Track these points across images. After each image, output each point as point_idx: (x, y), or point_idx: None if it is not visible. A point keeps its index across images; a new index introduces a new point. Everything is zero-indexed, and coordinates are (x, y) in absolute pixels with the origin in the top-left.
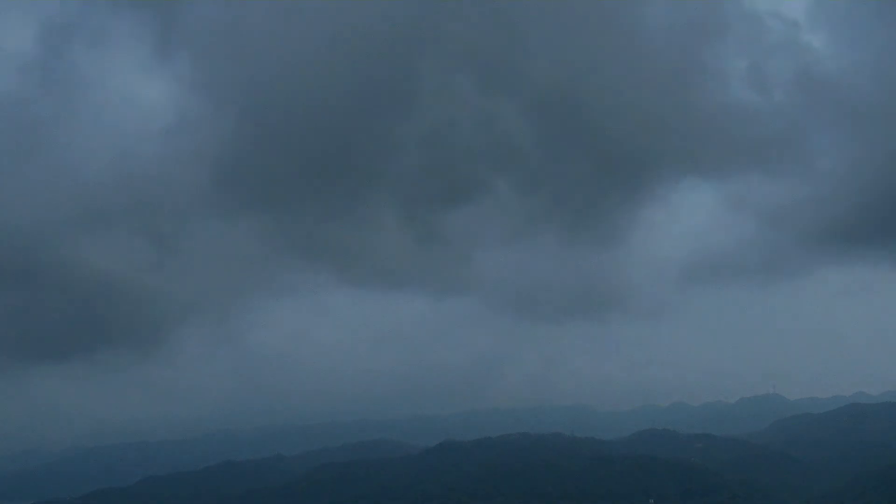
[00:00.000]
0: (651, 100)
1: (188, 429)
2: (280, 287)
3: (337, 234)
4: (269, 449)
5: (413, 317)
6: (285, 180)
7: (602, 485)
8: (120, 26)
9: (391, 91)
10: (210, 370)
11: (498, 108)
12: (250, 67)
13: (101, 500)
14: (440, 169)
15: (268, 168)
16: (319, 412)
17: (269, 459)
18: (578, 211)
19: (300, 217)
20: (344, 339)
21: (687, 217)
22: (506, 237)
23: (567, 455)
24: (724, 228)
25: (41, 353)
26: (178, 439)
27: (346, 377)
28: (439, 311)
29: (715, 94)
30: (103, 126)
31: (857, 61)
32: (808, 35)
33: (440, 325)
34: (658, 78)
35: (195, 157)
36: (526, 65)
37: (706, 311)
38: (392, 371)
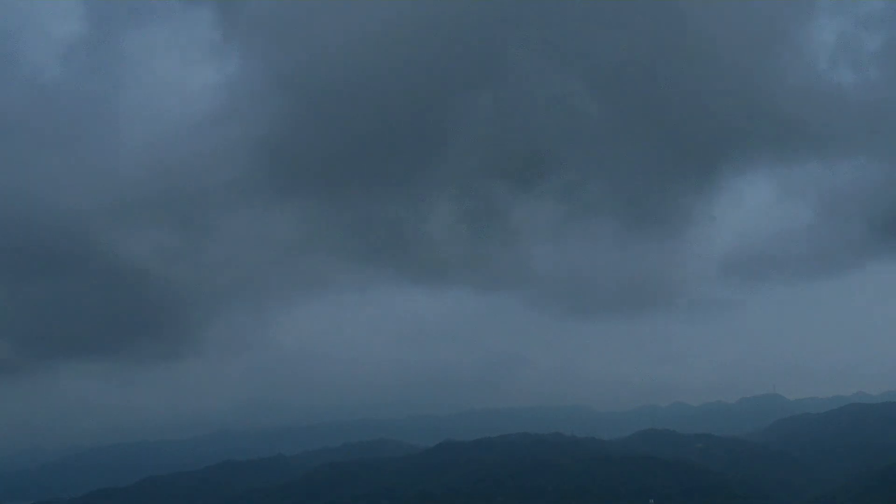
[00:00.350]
0: (727, 79)
1: (188, 429)
2: (317, 280)
3: (384, 225)
4: (268, 449)
5: (447, 313)
6: (333, 168)
7: (602, 485)
8: (170, 9)
9: (451, 72)
10: (233, 367)
11: (567, 88)
12: (304, 48)
13: (101, 500)
14: (502, 152)
15: (315, 156)
16: (320, 412)
17: (269, 459)
18: (639, 199)
19: (344, 206)
20: (370, 337)
21: (750, 206)
22: (562, 226)
23: (567, 455)
24: (785, 219)
25: (65, 350)
26: (178, 439)
27: (360, 376)
28: (478, 306)
29: (797, 72)
30: (148, 111)
31: None
32: None
33: (471, 321)
34: (736, 55)
35: (241, 145)
36: (599, 41)
37: (747, 309)
38: (404, 370)
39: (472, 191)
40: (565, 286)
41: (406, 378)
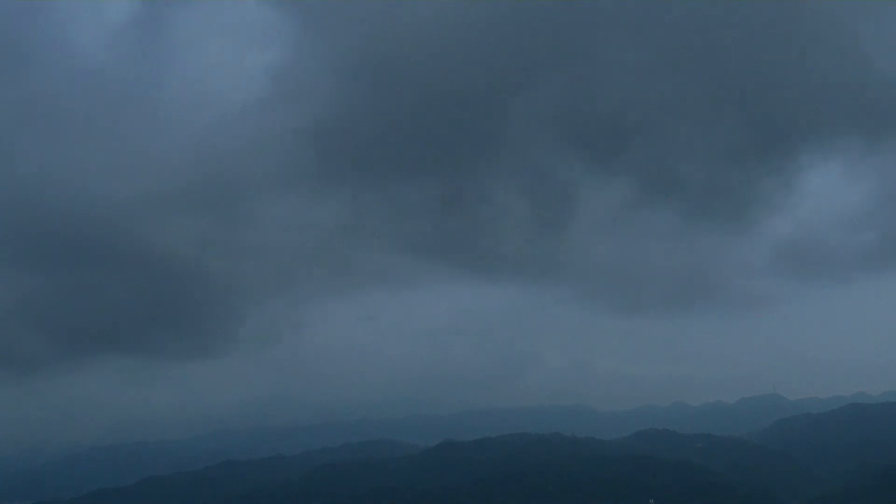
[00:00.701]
0: (811, 60)
1: (188, 429)
2: (357, 272)
3: (434, 215)
4: (269, 449)
5: (480, 308)
6: (384, 154)
7: (602, 485)
8: None
9: (521, 53)
10: (255, 364)
11: (641, 68)
12: (361, 28)
13: (101, 500)
14: (571, 137)
15: (367, 142)
16: (327, 410)
17: (269, 459)
18: (706, 186)
19: (393, 195)
20: (395, 333)
21: (818, 196)
22: (622, 216)
23: (567, 455)
24: (850, 209)
25: (94, 345)
26: (178, 439)
27: (372, 375)
28: (516, 301)
29: (886, 52)
30: (196, 95)
31: None
32: None
33: (503, 317)
34: (821, 35)
35: (289, 130)
36: (680, 18)
37: (793, 305)
38: (414, 369)
39: (532, 184)
40: (612, 281)
41: (413, 377)
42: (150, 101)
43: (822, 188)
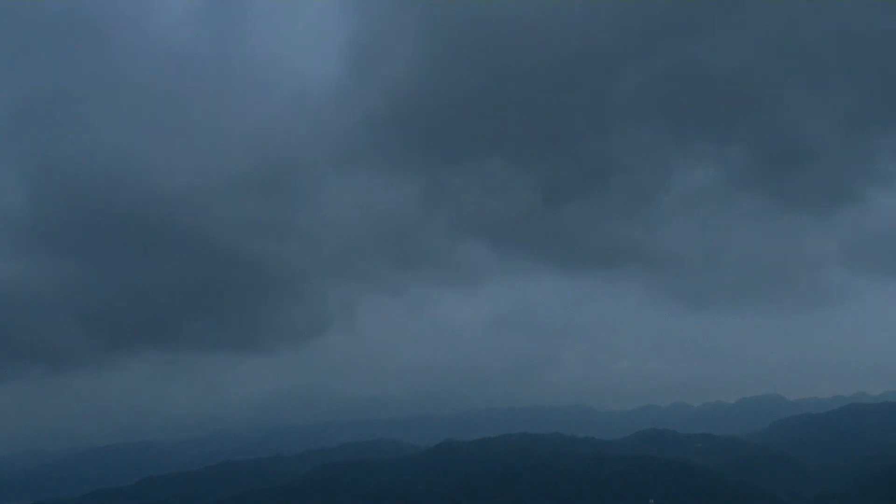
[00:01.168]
0: None
1: (188, 429)
2: (415, 265)
3: (513, 200)
4: (268, 449)
5: (528, 304)
6: (464, 135)
7: (602, 485)
8: None
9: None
10: (291, 361)
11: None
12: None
13: (101, 500)
14: (668, 120)
15: (445, 122)
16: (321, 412)
17: (268, 459)
18: (807, 165)
19: (469, 178)
20: (437, 331)
21: None
22: (704, 200)
23: (567, 455)
24: None
25: (132, 340)
26: (178, 439)
27: (382, 374)
28: (567, 293)
29: None
30: (271, 74)
31: None
32: None
33: (546, 312)
34: None
35: (363, 109)
36: None
37: (857, 303)
38: (431, 370)
39: (621, 169)
40: (678, 272)
41: (422, 377)
42: (224, 80)
43: None
